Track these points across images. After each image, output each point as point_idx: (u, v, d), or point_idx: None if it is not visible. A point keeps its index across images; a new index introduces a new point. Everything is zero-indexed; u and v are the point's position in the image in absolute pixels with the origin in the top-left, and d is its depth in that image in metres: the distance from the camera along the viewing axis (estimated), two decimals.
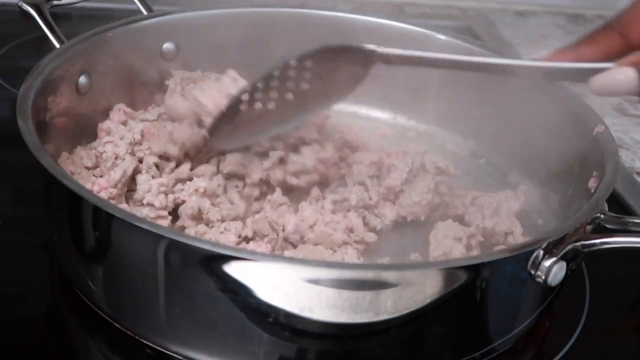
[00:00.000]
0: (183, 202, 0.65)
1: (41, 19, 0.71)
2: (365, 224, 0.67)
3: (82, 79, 0.71)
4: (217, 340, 0.54)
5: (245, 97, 0.63)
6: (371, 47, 0.64)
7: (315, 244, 0.62)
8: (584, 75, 0.58)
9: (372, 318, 0.51)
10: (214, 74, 0.80)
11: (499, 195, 0.71)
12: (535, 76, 0.64)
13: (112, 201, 0.64)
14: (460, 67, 0.64)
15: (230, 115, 0.63)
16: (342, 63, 0.64)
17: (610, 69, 0.56)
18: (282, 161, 0.67)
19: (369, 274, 0.51)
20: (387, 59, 0.63)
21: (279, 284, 0.50)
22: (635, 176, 0.90)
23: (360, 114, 0.86)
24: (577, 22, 1.35)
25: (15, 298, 0.63)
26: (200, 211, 0.64)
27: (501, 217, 0.68)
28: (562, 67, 0.60)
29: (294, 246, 0.63)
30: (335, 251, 0.63)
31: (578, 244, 0.55)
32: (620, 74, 0.55)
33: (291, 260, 0.55)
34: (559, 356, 0.62)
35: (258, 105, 0.63)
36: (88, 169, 0.67)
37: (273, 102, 0.63)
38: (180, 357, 0.56)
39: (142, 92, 0.78)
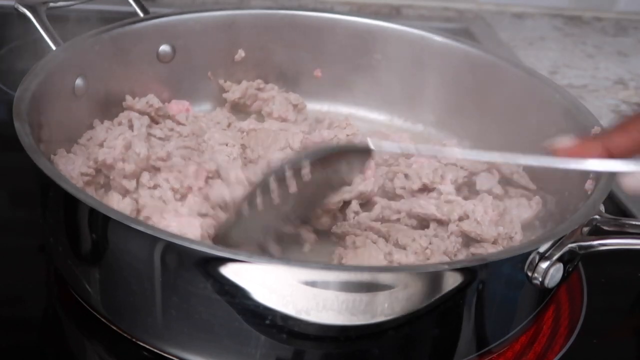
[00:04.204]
0: None
1: (37, 21, 0.71)
2: None
3: (79, 81, 0.71)
4: (214, 343, 0.54)
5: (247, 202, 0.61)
6: (369, 145, 0.60)
7: None
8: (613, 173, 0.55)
9: (369, 320, 0.51)
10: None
11: (512, 201, 0.71)
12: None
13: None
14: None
15: (235, 221, 0.62)
16: (342, 158, 0.60)
17: None
18: None
19: (365, 276, 0.51)
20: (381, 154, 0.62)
21: (275, 286, 0.50)
22: None
23: (357, 116, 0.86)
24: (575, 24, 1.35)
25: (11, 300, 0.63)
26: None
27: (505, 221, 0.68)
28: (589, 169, 0.56)
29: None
30: None
31: (575, 245, 0.55)
32: None
33: (288, 262, 0.55)
34: (556, 358, 0.62)
35: (260, 206, 0.60)
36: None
37: (276, 197, 0.60)
38: None
39: (139, 94, 0.78)
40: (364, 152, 0.60)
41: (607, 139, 0.53)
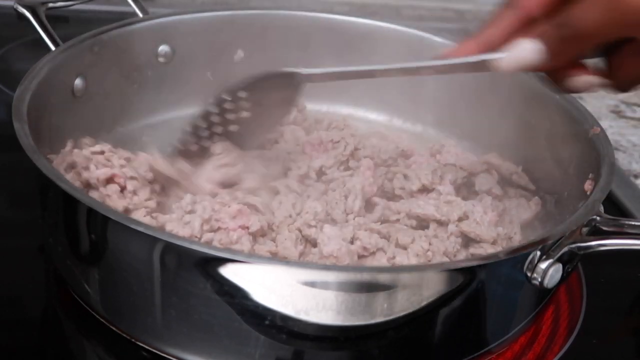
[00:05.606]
0: None
1: (37, 21, 0.71)
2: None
3: (78, 82, 0.71)
4: (213, 343, 0.54)
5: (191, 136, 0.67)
6: (293, 70, 0.65)
7: None
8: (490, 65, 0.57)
9: (369, 320, 0.51)
10: None
11: (511, 201, 0.71)
12: (441, 72, 0.63)
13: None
14: (371, 75, 0.66)
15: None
16: (272, 89, 0.66)
17: (511, 47, 0.54)
18: None
19: (365, 277, 0.51)
20: (310, 79, 0.65)
21: (275, 287, 0.50)
22: (632, 179, 0.90)
23: (357, 116, 0.86)
24: None
25: (11, 301, 0.63)
26: None
27: (504, 221, 0.68)
28: (462, 62, 0.59)
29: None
30: None
31: (574, 246, 0.55)
32: (521, 50, 0.53)
33: (287, 262, 0.55)
34: (556, 359, 0.62)
35: (206, 142, 0.67)
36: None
37: (218, 136, 0.67)
38: None
39: (138, 94, 0.78)
40: (292, 80, 0.65)
41: (480, 35, 0.58)
